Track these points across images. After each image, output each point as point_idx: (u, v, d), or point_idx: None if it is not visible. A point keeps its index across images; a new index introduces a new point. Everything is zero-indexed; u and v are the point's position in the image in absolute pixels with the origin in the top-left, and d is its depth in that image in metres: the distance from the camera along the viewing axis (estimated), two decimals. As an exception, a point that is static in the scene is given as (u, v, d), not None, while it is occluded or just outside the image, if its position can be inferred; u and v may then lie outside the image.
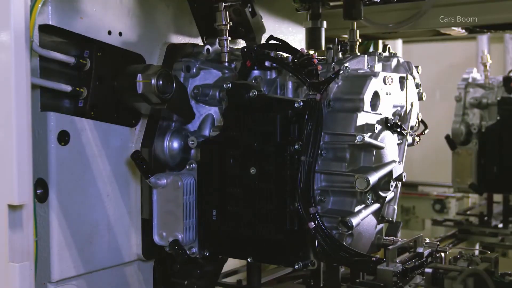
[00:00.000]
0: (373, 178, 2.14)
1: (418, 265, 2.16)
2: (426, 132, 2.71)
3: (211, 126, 2.48)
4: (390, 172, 2.30)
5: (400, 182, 2.40)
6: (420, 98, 2.66)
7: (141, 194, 2.47)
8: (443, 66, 7.53)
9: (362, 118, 2.21)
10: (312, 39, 2.71)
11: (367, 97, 2.21)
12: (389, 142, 2.33)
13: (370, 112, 2.24)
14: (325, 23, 2.70)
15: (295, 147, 2.11)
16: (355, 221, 2.12)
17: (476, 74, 5.59)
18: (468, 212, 5.56)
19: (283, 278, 3.09)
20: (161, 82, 2.23)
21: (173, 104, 2.31)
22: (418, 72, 2.68)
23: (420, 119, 2.69)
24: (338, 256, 2.10)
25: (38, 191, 2.17)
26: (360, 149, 2.21)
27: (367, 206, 2.22)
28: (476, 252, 2.23)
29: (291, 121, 2.14)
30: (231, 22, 2.44)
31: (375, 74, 2.26)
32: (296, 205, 2.10)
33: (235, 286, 2.93)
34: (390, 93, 2.36)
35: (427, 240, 2.35)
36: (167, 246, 2.30)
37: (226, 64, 2.45)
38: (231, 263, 3.01)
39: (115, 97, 2.35)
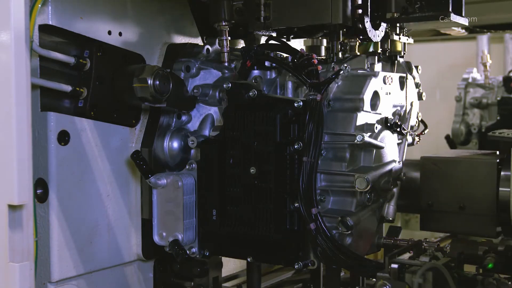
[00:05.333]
0: (373, 177, 2.15)
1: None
2: (426, 132, 2.71)
3: (211, 126, 2.48)
4: (390, 172, 2.30)
5: (399, 182, 2.41)
6: (420, 98, 2.66)
7: (141, 194, 2.47)
8: (443, 66, 7.53)
9: (362, 118, 2.21)
10: None
11: (367, 96, 2.22)
12: (389, 141, 2.33)
13: (370, 112, 2.24)
14: (324, 41, 2.71)
15: (295, 146, 2.12)
16: (354, 221, 2.12)
17: (476, 74, 5.60)
18: (468, 212, 5.55)
19: (283, 282, 3.09)
20: (158, 83, 2.23)
21: (172, 99, 2.31)
22: (418, 72, 2.69)
23: (420, 119, 2.70)
24: (338, 258, 2.10)
25: (38, 191, 2.17)
26: (360, 148, 2.21)
27: (367, 206, 2.22)
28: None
29: (291, 121, 2.14)
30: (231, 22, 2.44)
31: (375, 74, 2.26)
32: (297, 205, 2.10)
33: (235, 290, 2.93)
34: (390, 93, 2.36)
35: (427, 239, 2.35)
36: (167, 246, 2.30)
37: (226, 64, 2.45)
38: (231, 268, 3.01)
39: (115, 97, 2.35)
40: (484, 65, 5.56)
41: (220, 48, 2.45)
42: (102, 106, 2.33)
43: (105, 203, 2.36)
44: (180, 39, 2.61)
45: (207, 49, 2.51)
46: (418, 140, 2.65)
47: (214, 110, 2.48)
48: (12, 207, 1.89)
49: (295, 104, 2.12)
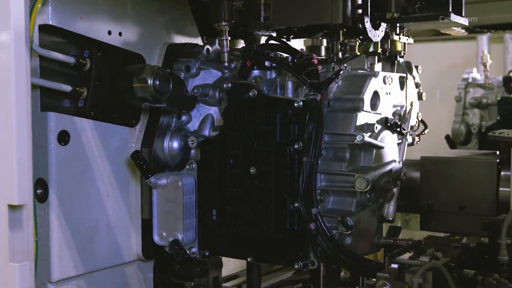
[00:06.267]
0: (373, 177, 2.15)
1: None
2: (426, 132, 2.71)
3: (211, 126, 2.48)
4: (390, 172, 2.30)
5: (399, 182, 2.41)
6: (420, 98, 2.66)
7: (141, 194, 2.47)
8: (443, 66, 7.53)
9: (362, 118, 2.21)
10: None
11: (367, 96, 2.22)
12: (389, 141, 2.33)
13: (370, 112, 2.24)
14: (324, 41, 2.72)
15: (295, 146, 2.12)
16: (354, 221, 2.12)
17: (476, 74, 5.60)
18: (468, 212, 5.55)
19: (283, 282, 3.09)
20: (157, 83, 2.24)
21: (172, 99, 2.32)
22: (418, 72, 2.69)
23: (420, 119, 2.70)
24: (338, 258, 2.10)
25: (38, 191, 2.17)
26: (360, 149, 2.21)
27: (367, 206, 2.22)
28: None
29: (291, 121, 2.14)
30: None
31: (375, 74, 2.26)
32: (297, 205, 2.10)
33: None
34: (390, 93, 2.36)
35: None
36: (167, 246, 2.30)
37: (226, 64, 2.45)
38: (231, 268, 3.01)
39: (115, 97, 2.35)
40: (484, 65, 5.56)
41: (220, 48, 2.45)
42: (102, 106, 2.33)
43: (105, 203, 2.36)
44: (180, 39, 2.61)
45: (207, 49, 2.51)
46: (418, 140, 2.65)
47: (214, 110, 2.48)
48: (12, 207, 1.89)
49: (295, 104, 2.12)
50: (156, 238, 2.33)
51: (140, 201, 2.47)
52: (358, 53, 2.55)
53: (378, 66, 2.42)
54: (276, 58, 2.35)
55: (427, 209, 2.59)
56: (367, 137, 2.14)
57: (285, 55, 2.39)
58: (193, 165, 2.31)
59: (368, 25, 2.34)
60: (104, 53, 2.32)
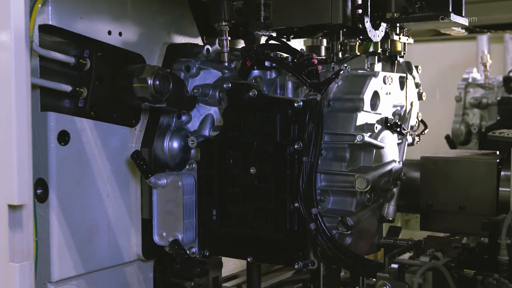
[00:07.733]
0: (373, 177, 2.15)
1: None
2: (426, 132, 2.72)
3: (211, 126, 2.48)
4: (390, 172, 2.30)
5: (399, 182, 2.41)
6: (420, 98, 2.66)
7: (141, 194, 2.47)
8: (443, 66, 7.53)
9: (362, 118, 2.21)
10: None
11: (367, 96, 2.22)
12: (389, 141, 2.33)
13: (370, 112, 2.24)
14: (324, 41, 2.72)
15: (295, 147, 2.12)
16: (354, 221, 2.12)
17: (476, 74, 5.60)
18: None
19: (283, 282, 3.09)
20: (158, 83, 2.24)
21: (172, 99, 2.32)
22: (418, 72, 2.69)
23: (420, 119, 2.70)
24: (338, 258, 2.10)
25: (38, 191, 2.17)
26: (360, 149, 2.21)
27: (367, 206, 2.22)
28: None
29: (291, 121, 2.14)
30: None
31: (375, 74, 2.26)
32: (297, 205, 2.10)
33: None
34: (390, 93, 2.36)
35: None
36: (167, 246, 2.30)
37: (226, 64, 2.45)
38: (231, 268, 3.01)
39: (115, 97, 2.35)
40: (484, 65, 5.56)
41: (220, 48, 2.45)
42: (102, 106, 2.33)
43: (105, 203, 2.36)
44: (180, 39, 2.61)
45: (207, 49, 2.51)
46: (418, 140, 2.65)
47: (214, 110, 2.48)
48: (12, 207, 1.89)
49: (295, 104, 2.12)
50: (156, 238, 2.33)
51: (140, 201, 2.47)
52: (358, 53, 2.55)
53: (378, 66, 2.42)
54: (276, 58, 2.35)
55: (427, 209, 2.59)
56: (367, 137, 2.14)
57: (285, 55, 2.39)
58: (193, 165, 2.31)
59: (368, 25, 2.34)
60: (104, 53, 2.32)
